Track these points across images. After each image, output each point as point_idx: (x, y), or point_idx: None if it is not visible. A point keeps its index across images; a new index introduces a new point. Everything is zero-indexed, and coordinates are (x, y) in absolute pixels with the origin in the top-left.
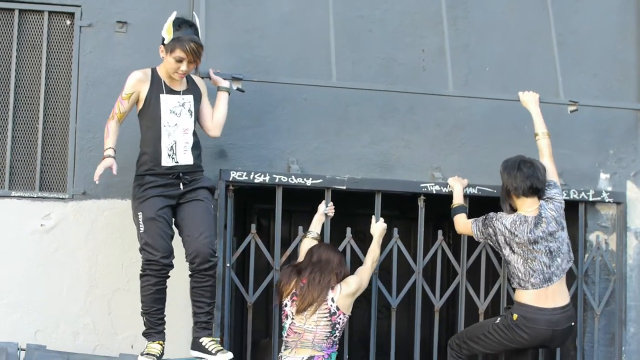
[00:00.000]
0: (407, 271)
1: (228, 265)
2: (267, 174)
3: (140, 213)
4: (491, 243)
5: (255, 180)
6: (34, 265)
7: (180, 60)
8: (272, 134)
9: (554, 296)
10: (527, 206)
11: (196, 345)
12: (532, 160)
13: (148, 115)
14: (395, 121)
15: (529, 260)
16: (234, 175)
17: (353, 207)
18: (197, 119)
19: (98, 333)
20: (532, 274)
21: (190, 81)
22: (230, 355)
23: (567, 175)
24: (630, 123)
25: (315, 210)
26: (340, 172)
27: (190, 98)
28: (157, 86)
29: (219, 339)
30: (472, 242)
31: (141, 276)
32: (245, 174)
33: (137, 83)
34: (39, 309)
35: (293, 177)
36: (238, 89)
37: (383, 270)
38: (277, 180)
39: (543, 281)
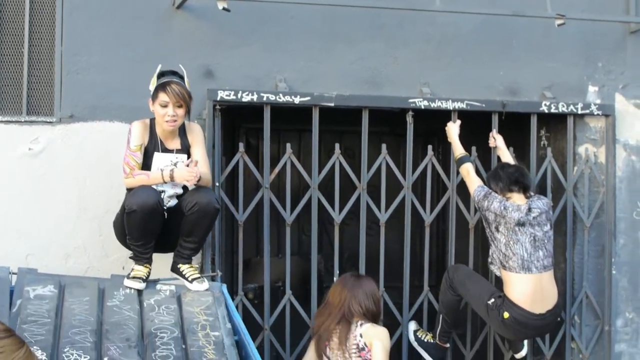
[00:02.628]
0: (397, 187)
1: (217, 184)
2: (255, 93)
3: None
4: (481, 214)
5: (243, 99)
6: (23, 189)
7: (165, 105)
8: (260, 52)
9: (545, 299)
10: (516, 200)
11: (175, 269)
12: (516, 164)
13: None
14: (382, 37)
15: (511, 243)
16: (222, 94)
17: (342, 124)
18: None
19: (89, 255)
20: (512, 257)
21: (183, 137)
22: (206, 285)
23: (556, 88)
24: (619, 36)
25: (302, 129)
26: (328, 90)
27: (183, 157)
28: (153, 142)
29: (197, 265)
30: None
31: (128, 212)
32: (232, 93)
33: (142, 134)
34: (29, 232)
35: (281, 95)
36: (224, 9)
37: (371, 186)
38: (264, 99)
39: (520, 267)
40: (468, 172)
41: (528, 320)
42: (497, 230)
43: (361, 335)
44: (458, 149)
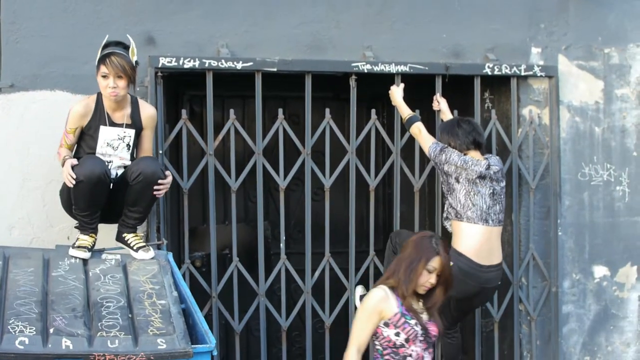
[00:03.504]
0: (342, 152)
1: (161, 152)
2: (197, 59)
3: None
4: (438, 168)
5: (185, 66)
6: None
7: (105, 76)
8: (201, 18)
9: (491, 253)
10: (474, 157)
11: (120, 238)
12: (469, 118)
13: (85, 144)
14: (325, 1)
15: (471, 194)
16: (163, 61)
17: (285, 90)
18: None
19: (33, 226)
20: (472, 207)
21: (135, 113)
22: (152, 253)
23: (499, 50)
24: None
25: (246, 95)
26: (270, 55)
27: (131, 132)
28: (99, 116)
29: (143, 234)
30: None
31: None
32: (174, 59)
33: (79, 119)
34: None
35: (223, 61)
36: None
37: (316, 152)
38: (206, 65)
39: (479, 218)
40: (420, 130)
41: (473, 271)
42: (457, 181)
43: None
44: (405, 111)
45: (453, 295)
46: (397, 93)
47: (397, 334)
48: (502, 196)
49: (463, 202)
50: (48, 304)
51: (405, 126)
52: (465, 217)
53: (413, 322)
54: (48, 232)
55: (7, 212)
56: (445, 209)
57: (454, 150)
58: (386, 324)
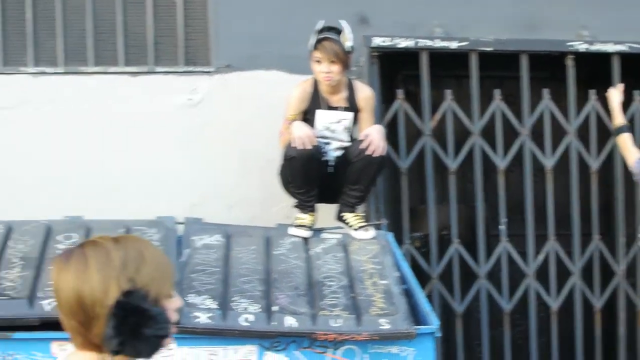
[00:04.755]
0: (559, 134)
1: None
2: (411, 39)
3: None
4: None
5: (399, 46)
6: (185, 140)
7: (318, 61)
8: None
9: None
10: None
11: (339, 217)
12: None
13: None
14: None
15: None
16: (377, 41)
17: (500, 69)
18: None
19: (252, 204)
20: None
21: (351, 96)
22: (372, 233)
23: None
24: None
25: (461, 75)
26: (484, 34)
27: (349, 115)
28: (316, 101)
29: (362, 214)
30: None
31: (288, 160)
32: (388, 39)
33: (298, 104)
34: (193, 183)
35: (437, 40)
36: None
37: (535, 133)
38: (421, 45)
39: None
40: (625, 142)
41: None
42: None
43: None
44: (617, 118)
45: None
46: (613, 97)
47: None
48: None
49: None
50: (271, 282)
51: (613, 133)
52: None
53: None
54: (267, 211)
55: (227, 191)
56: None
57: None
58: None
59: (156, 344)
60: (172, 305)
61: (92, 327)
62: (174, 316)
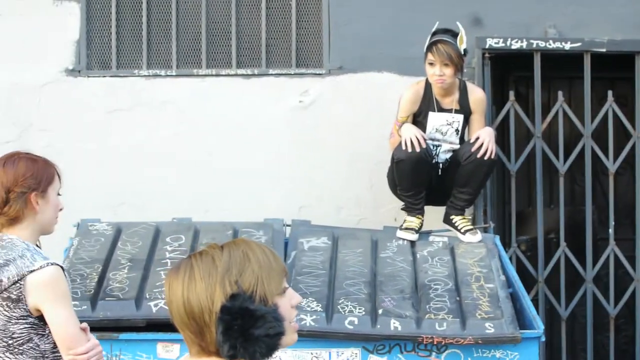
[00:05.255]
0: None
1: None
2: (524, 40)
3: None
4: None
5: (512, 47)
6: (295, 141)
7: (432, 64)
8: None
9: None
10: None
11: (447, 220)
12: None
13: None
14: None
15: None
16: (490, 42)
17: (612, 70)
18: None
19: (361, 206)
20: None
21: (463, 98)
22: (479, 237)
23: None
24: None
25: (572, 76)
26: (597, 35)
27: (460, 118)
28: (428, 103)
29: (470, 217)
30: None
31: (396, 162)
32: (501, 40)
33: (410, 106)
34: (302, 185)
35: (551, 41)
36: None
37: None
38: (534, 46)
39: None
40: None
41: None
42: None
43: None
44: None
45: None
46: None
47: None
48: None
49: None
50: (377, 284)
51: None
52: None
53: None
54: (375, 213)
55: (335, 193)
56: None
57: None
58: None
59: (270, 343)
60: (286, 301)
61: (205, 336)
62: (289, 313)
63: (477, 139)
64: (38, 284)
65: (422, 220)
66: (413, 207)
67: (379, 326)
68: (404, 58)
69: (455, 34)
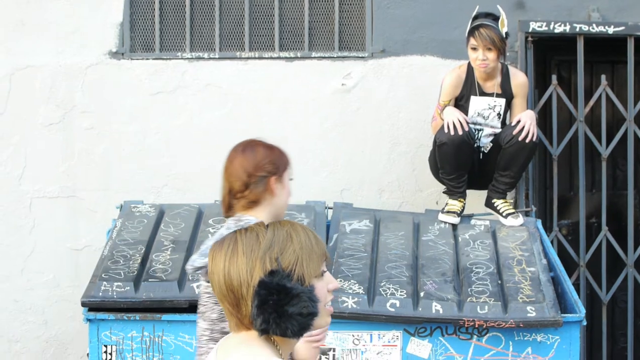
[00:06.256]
0: None
1: None
2: (567, 24)
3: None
4: None
5: (555, 31)
6: (337, 124)
7: (474, 48)
8: None
9: None
10: None
11: (489, 204)
12: None
13: None
14: None
15: None
16: (533, 26)
17: None
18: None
19: (402, 190)
20: None
21: (505, 82)
22: (520, 220)
23: None
24: None
25: (615, 60)
26: None
27: (502, 102)
28: (470, 87)
29: (512, 201)
30: None
31: (439, 145)
32: (544, 24)
33: (452, 90)
34: (344, 168)
35: (594, 25)
36: None
37: None
38: (577, 30)
39: None
40: None
41: None
42: None
43: None
44: None
45: None
46: None
47: None
48: None
49: None
50: (418, 267)
51: None
52: None
53: None
54: (417, 196)
55: (377, 176)
56: None
57: None
58: None
59: (302, 322)
60: (323, 284)
61: (241, 308)
62: (324, 296)
63: (519, 121)
64: None
65: (464, 204)
66: (455, 190)
67: (420, 309)
68: (447, 41)
69: (496, 18)
